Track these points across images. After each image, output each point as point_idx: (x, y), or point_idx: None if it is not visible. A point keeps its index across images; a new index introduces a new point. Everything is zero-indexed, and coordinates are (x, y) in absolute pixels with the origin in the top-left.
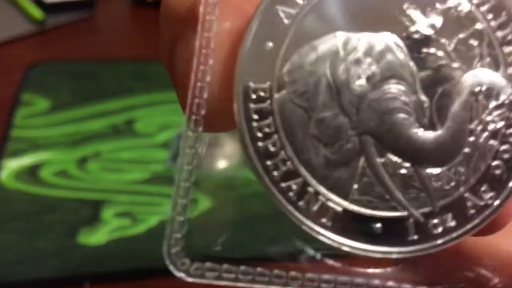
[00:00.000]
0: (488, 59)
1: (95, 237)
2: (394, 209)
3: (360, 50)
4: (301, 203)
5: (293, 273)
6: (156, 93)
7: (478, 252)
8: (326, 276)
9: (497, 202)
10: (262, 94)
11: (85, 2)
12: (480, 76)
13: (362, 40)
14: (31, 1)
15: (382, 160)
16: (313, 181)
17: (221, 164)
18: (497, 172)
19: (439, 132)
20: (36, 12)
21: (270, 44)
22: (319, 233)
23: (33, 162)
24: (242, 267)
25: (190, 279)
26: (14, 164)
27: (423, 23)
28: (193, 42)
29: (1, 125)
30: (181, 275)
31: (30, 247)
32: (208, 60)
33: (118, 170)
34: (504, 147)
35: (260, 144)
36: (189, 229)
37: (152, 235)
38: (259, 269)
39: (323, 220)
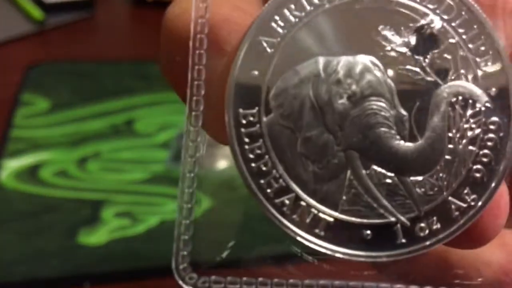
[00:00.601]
0: (462, 71)
1: (95, 237)
2: (382, 216)
3: (340, 72)
4: (294, 216)
5: (292, 281)
6: (156, 93)
7: (465, 264)
8: (323, 282)
9: (479, 204)
10: (251, 118)
11: (85, 2)
12: (455, 87)
13: (341, 62)
14: (31, 1)
15: (368, 171)
16: (304, 196)
17: (221, 164)
18: (478, 175)
19: (419, 142)
20: (36, 12)
21: (256, 72)
22: (313, 243)
23: (33, 162)
24: (245, 278)
25: None
26: (14, 164)
27: (398, 42)
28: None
29: (1, 125)
30: None
31: (30, 247)
32: (201, 76)
33: (118, 170)
34: (483, 151)
35: (253, 164)
36: (195, 237)
37: (152, 235)
38: (260, 279)
39: (316, 230)
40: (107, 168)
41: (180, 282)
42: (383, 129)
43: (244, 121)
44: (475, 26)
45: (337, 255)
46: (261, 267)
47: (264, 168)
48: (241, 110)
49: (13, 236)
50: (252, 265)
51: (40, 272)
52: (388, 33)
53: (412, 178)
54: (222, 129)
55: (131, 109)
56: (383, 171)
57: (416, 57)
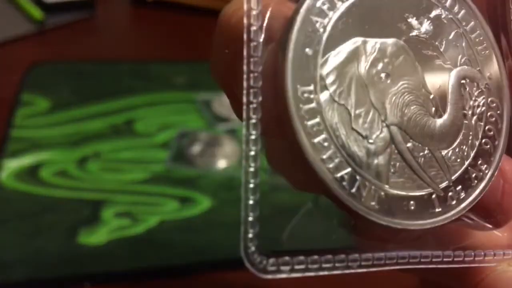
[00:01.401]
0: (466, 57)
1: (95, 237)
2: (421, 187)
3: (378, 52)
4: (353, 190)
5: (352, 256)
6: (156, 93)
7: (480, 240)
8: (378, 254)
9: (490, 173)
10: (309, 95)
11: (85, 2)
12: (464, 71)
13: (378, 44)
14: (31, 1)
15: (408, 145)
16: (360, 170)
17: (221, 164)
18: (487, 147)
19: (443, 118)
20: (36, 12)
21: (309, 50)
22: (371, 215)
23: (33, 162)
24: (311, 257)
25: (269, 276)
26: (14, 164)
27: (421, 29)
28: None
29: (1, 125)
30: (260, 274)
31: (30, 247)
32: (258, 68)
33: (118, 170)
34: (488, 126)
35: (314, 140)
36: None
37: (152, 235)
38: (324, 257)
39: (372, 203)
40: (107, 168)
41: (250, 267)
42: (417, 106)
43: (303, 98)
44: (472, 20)
45: (392, 225)
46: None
47: (324, 144)
48: (299, 87)
49: (13, 236)
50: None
51: (40, 272)
52: (412, 21)
53: (443, 151)
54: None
55: (131, 109)
56: (419, 145)
57: (435, 43)
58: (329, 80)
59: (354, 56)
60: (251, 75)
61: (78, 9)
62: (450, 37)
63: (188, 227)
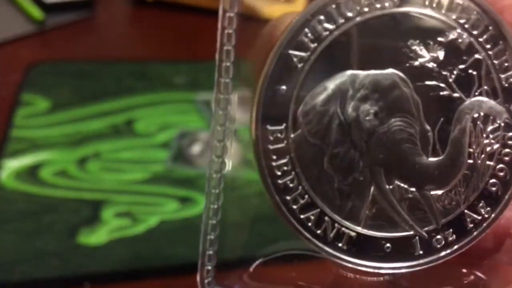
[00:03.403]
0: (485, 87)
1: (95, 237)
2: (401, 229)
3: (368, 87)
4: (319, 231)
5: None
6: (156, 93)
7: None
8: None
9: (493, 216)
10: (279, 135)
11: (85, 2)
12: (478, 103)
13: (369, 77)
14: (31, 1)
15: (391, 187)
16: (329, 211)
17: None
18: (493, 189)
19: (441, 157)
20: (36, 12)
21: (284, 87)
22: (336, 257)
23: (33, 162)
24: None
25: None
26: (14, 164)
27: (427, 57)
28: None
29: (1, 125)
30: None
31: (30, 247)
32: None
33: (118, 170)
34: (499, 165)
35: (279, 181)
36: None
37: (152, 235)
38: None
39: (339, 244)
40: (107, 168)
41: None
42: (408, 145)
43: (271, 138)
44: (500, 42)
45: (359, 268)
46: (267, 267)
47: (290, 185)
48: (269, 127)
49: (13, 236)
50: (258, 265)
51: (40, 272)
52: (417, 48)
53: (432, 192)
54: None
55: (131, 109)
56: (406, 186)
57: (443, 72)
58: (305, 119)
59: (338, 92)
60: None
61: (78, 9)
62: (465, 64)
63: (188, 227)
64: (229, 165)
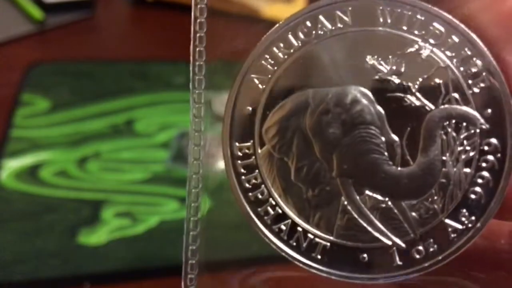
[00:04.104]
0: (454, 94)
1: (95, 237)
2: (377, 240)
3: (329, 102)
4: (292, 241)
5: None
6: (156, 93)
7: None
8: None
9: (478, 225)
10: (247, 151)
11: (85, 2)
12: (447, 111)
13: (330, 94)
14: (31, 1)
15: (361, 197)
16: (300, 222)
17: (221, 164)
18: (474, 197)
19: (411, 167)
20: (36, 12)
21: (249, 108)
22: (311, 267)
23: (33, 162)
24: None
25: None
26: (14, 164)
27: (385, 71)
28: None
29: (1, 125)
30: None
31: (30, 247)
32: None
33: (118, 170)
34: (479, 173)
35: (250, 194)
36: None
37: (152, 235)
38: None
39: (313, 254)
40: (107, 168)
41: None
42: (374, 155)
43: (240, 154)
44: (466, 48)
45: (333, 277)
46: (259, 267)
47: (260, 197)
48: (236, 144)
49: (13, 236)
50: (251, 265)
51: (40, 272)
52: (375, 62)
53: (406, 202)
54: None
55: (131, 109)
56: (377, 196)
57: (405, 83)
58: (268, 134)
59: (299, 108)
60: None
61: (78, 9)
62: (429, 74)
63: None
64: (216, 166)
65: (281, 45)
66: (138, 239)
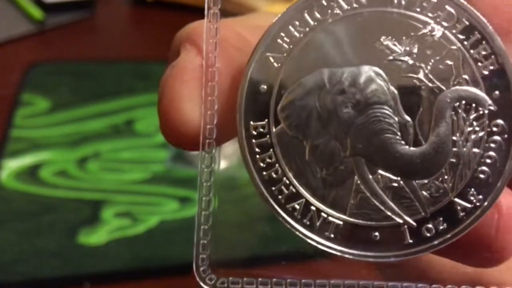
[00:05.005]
0: (464, 76)
1: (95, 237)
2: (389, 218)
3: (344, 82)
4: (305, 220)
5: (305, 280)
6: (156, 93)
7: (448, 273)
8: (334, 281)
9: (485, 204)
10: (261, 130)
11: (85, 2)
12: (458, 92)
13: (345, 73)
14: (31, 1)
15: (374, 176)
16: (313, 201)
17: (221, 164)
18: (483, 176)
19: (423, 147)
20: (36, 12)
21: (264, 86)
22: (323, 245)
23: (33, 162)
24: (260, 279)
25: None
26: (14, 164)
27: (400, 51)
28: (180, 61)
29: (1, 125)
30: None
31: (30, 247)
32: (214, 91)
33: (118, 170)
34: (487, 153)
35: (264, 173)
36: (213, 241)
37: (152, 235)
38: (275, 280)
39: (326, 233)
40: (107, 168)
41: (201, 283)
42: (387, 135)
43: (254, 133)
44: (476, 32)
45: (346, 256)
46: (269, 267)
47: (275, 176)
48: (251, 122)
49: (13, 236)
50: (257, 265)
51: (40, 272)
52: (389, 43)
53: (417, 181)
54: (232, 125)
55: (131, 109)
56: (389, 175)
57: (418, 64)
58: (284, 113)
59: (314, 88)
60: (208, 98)
61: (78, 9)
62: (441, 56)
63: (188, 227)
64: (219, 161)
65: (297, 23)
66: (138, 239)
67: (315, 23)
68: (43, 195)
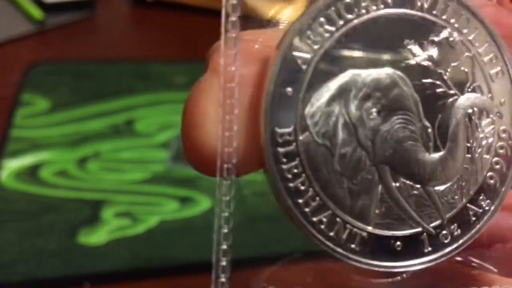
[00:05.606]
0: (477, 83)
1: (95, 237)
2: (410, 227)
3: (369, 86)
4: (331, 233)
5: None
6: (156, 93)
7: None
8: None
9: (492, 208)
10: (287, 137)
11: (85, 2)
12: (471, 99)
13: (370, 76)
14: (31, 1)
15: (397, 184)
16: (340, 212)
17: None
18: (492, 181)
19: (442, 153)
20: (36, 12)
21: (290, 89)
22: (349, 258)
23: (33, 162)
24: None
25: None
26: (14, 164)
27: (422, 56)
28: (203, 83)
29: (1, 125)
30: None
31: (30, 247)
32: (233, 110)
33: (118, 170)
34: (495, 159)
35: (290, 184)
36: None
37: (152, 235)
38: None
39: (352, 246)
40: (107, 168)
41: None
42: (410, 142)
43: (280, 140)
44: (488, 40)
45: (372, 268)
46: (267, 267)
47: (302, 187)
48: (277, 129)
49: (13, 236)
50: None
51: (40, 272)
52: (413, 47)
53: (436, 188)
54: (254, 151)
55: (131, 109)
56: (411, 183)
57: (439, 70)
58: (312, 120)
59: (342, 92)
60: (226, 117)
61: (78, 9)
62: (458, 62)
63: (188, 227)
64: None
65: (324, 21)
66: (138, 239)
67: (342, 22)
68: (43, 195)
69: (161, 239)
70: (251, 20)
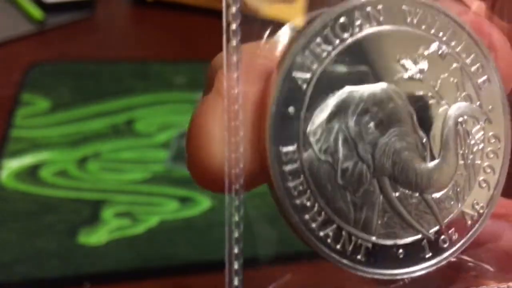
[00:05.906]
0: (466, 92)
1: (95, 237)
2: (411, 234)
3: (367, 101)
4: (338, 246)
5: None
6: (156, 93)
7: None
8: None
9: (486, 211)
10: (292, 156)
11: (85, 2)
12: (461, 108)
13: (366, 92)
14: (31, 1)
15: (397, 194)
16: (345, 225)
17: None
18: (484, 185)
19: (437, 161)
20: (36, 12)
21: (292, 109)
22: (356, 269)
23: (33, 162)
24: None
25: None
26: (14, 164)
27: (414, 69)
28: (208, 104)
29: (1, 125)
30: None
31: (30, 247)
32: (239, 132)
33: (118, 170)
34: (486, 163)
35: (297, 201)
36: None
37: (152, 235)
38: None
39: (358, 257)
40: (107, 168)
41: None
42: (407, 152)
43: (285, 159)
44: (474, 51)
45: (376, 276)
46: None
47: (307, 204)
48: (281, 148)
49: (13, 236)
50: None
51: (40, 272)
52: (405, 62)
53: (433, 195)
54: (259, 168)
55: (131, 109)
56: (409, 192)
57: (429, 82)
58: (314, 137)
59: (340, 109)
60: (232, 139)
61: (78, 9)
62: (447, 73)
63: (188, 227)
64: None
65: (321, 41)
66: (138, 239)
67: (338, 41)
68: (43, 195)
69: (161, 239)
70: (251, 20)
